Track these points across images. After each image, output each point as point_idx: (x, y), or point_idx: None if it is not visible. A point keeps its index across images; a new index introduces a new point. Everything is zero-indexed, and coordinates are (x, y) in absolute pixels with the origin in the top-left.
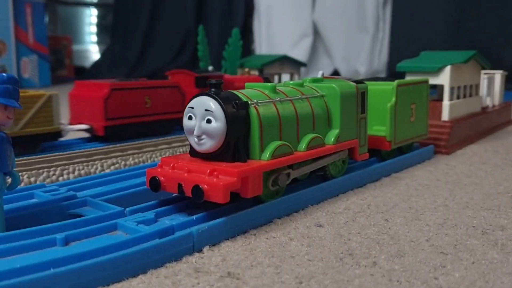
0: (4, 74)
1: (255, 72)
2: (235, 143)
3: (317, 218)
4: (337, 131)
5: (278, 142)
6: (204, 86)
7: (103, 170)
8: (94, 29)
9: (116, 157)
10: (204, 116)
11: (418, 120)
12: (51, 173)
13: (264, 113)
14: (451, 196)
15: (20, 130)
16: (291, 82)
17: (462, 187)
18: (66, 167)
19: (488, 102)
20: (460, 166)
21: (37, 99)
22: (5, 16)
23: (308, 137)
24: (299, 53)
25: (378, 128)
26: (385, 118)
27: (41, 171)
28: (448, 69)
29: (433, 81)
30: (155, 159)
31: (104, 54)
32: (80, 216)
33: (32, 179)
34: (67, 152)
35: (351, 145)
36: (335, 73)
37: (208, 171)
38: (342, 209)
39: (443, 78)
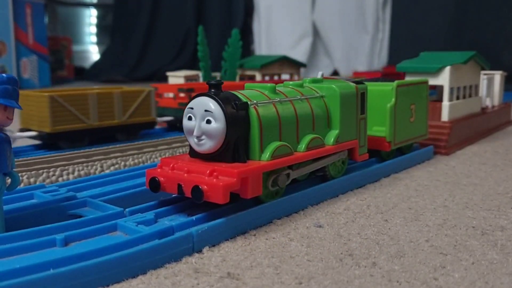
0: (3, 74)
1: (254, 73)
2: (235, 144)
3: (317, 219)
4: (336, 131)
5: (278, 143)
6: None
7: (102, 170)
8: (93, 29)
9: (116, 157)
10: (204, 117)
11: (418, 120)
12: (51, 173)
13: (264, 114)
14: (450, 197)
15: (126, 120)
16: (291, 82)
17: (462, 188)
18: (66, 167)
19: (487, 102)
20: (460, 166)
21: (139, 94)
22: (5, 16)
23: (308, 138)
24: (299, 54)
25: (378, 128)
26: (385, 119)
27: (40, 171)
28: (447, 69)
29: (432, 81)
30: (155, 159)
31: (103, 54)
32: (80, 216)
33: (32, 180)
34: (67, 153)
35: (351, 145)
36: (335, 73)
37: (207, 172)
38: (341, 210)
39: (443, 79)
